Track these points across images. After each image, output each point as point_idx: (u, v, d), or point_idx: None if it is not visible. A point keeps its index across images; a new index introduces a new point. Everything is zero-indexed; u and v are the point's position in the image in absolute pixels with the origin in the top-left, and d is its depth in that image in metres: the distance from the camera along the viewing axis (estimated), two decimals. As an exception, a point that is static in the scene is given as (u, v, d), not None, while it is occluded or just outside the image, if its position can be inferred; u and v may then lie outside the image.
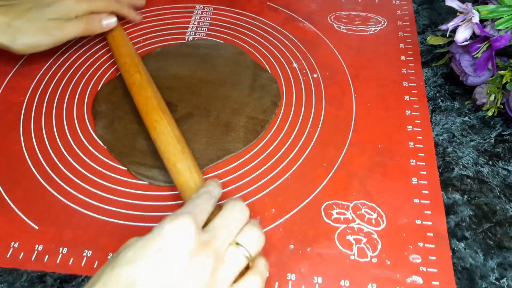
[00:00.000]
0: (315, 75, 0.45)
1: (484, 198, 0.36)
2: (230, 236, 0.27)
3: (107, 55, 0.47)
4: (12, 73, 0.46)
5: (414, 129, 0.40)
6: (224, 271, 0.25)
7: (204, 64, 0.46)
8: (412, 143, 0.39)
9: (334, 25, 0.50)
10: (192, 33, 0.50)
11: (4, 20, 0.39)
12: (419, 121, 0.41)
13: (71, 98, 0.44)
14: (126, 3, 0.49)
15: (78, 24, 0.43)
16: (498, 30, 0.38)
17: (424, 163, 0.38)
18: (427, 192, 0.36)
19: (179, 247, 0.24)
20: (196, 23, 0.51)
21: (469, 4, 0.38)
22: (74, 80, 0.45)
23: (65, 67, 0.46)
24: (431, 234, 0.34)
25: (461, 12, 0.40)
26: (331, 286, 0.32)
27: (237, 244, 0.27)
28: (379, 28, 0.50)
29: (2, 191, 0.37)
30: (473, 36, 0.39)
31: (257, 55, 0.47)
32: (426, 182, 0.37)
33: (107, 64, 0.47)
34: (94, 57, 0.47)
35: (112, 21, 0.45)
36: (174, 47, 0.48)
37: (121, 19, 0.48)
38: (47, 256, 0.33)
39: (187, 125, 0.40)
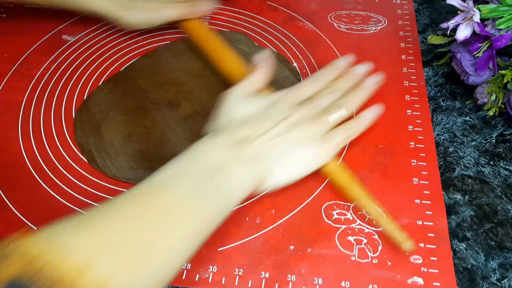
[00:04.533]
0: (315, 75, 0.45)
1: (485, 199, 0.36)
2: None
3: (106, 55, 0.47)
4: (10, 73, 0.46)
5: (415, 129, 0.40)
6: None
7: None
8: (413, 143, 0.39)
9: (335, 24, 0.50)
10: (192, 33, 0.49)
11: None
12: (420, 121, 0.41)
13: (69, 98, 0.43)
14: None
15: (181, 8, 0.46)
16: (499, 30, 0.38)
17: (425, 163, 0.38)
18: (428, 192, 0.36)
19: None
20: (195, 22, 0.51)
21: (470, 2, 0.38)
22: (73, 79, 0.45)
23: (64, 66, 0.46)
24: (432, 235, 0.34)
25: (462, 11, 0.40)
26: (332, 287, 0.31)
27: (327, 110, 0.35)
28: (379, 27, 0.50)
29: (0, 191, 0.37)
30: (473, 34, 0.39)
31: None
32: (427, 182, 0.37)
33: (107, 63, 0.46)
34: (93, 56, 0.47)
35: (207, 7, 0.47)
36: (183, 41, 0.48)
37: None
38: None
39: (189, 126, 0.40)
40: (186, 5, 0.46)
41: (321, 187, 0.36)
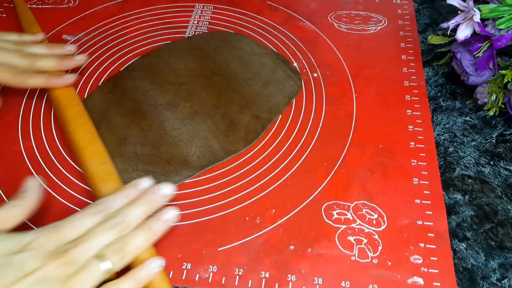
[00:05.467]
0: (315, 75, 0.45)
1: (485, 199, 0.36)
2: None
3: (106, 55, 0.47)
4: (10, 72, 0.46)
5: (415, 129, 0.40)
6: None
7: (216, 56, 0.46)
8: (413, 143, 0.39)
9: (335, 24, 0.50)
10: (192, 33, 0.49)
11: None
12: (420, 121, 0.41)
13: (70, 98, 0.43)
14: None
15: (44, 79, 0.40)
16: (499, 30, 0.38)
17: (425, 163, 0.38)
18: (428, 192, 0.36)
19: None
20: (195, 22, 0.51)
21: (470, 2, 0.38)
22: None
23: (64, 66, 0.46)
24: (432, 235, 0.34)
25: (462, 11, 0.40)
26: (332, 287, 0.31)
27: (100, 256, 0.26)
28: (379, 27, 0.50)
29: (0, 191, 0.37)
30: (474, 34, 0.39)
31: (257, 55, 0.47)
32: (427, 182, 0.37)
33: (107, 63, 0.46)
34: (94, 56, 0.47)
35: (70, 80, 0.41)
36: (183, 41, 0.48)
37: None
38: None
39: (189, 126, 0.40)
40: (49, 76, 0.41)
41: (321, 187, 0.36)
